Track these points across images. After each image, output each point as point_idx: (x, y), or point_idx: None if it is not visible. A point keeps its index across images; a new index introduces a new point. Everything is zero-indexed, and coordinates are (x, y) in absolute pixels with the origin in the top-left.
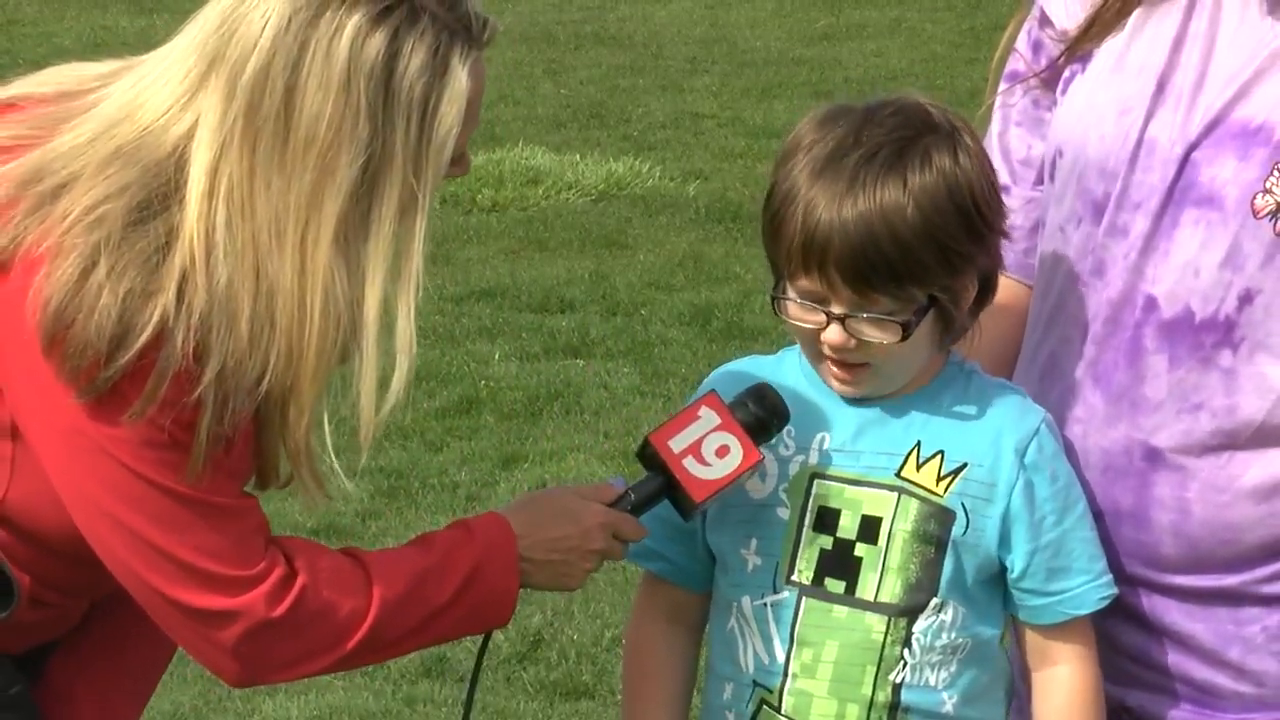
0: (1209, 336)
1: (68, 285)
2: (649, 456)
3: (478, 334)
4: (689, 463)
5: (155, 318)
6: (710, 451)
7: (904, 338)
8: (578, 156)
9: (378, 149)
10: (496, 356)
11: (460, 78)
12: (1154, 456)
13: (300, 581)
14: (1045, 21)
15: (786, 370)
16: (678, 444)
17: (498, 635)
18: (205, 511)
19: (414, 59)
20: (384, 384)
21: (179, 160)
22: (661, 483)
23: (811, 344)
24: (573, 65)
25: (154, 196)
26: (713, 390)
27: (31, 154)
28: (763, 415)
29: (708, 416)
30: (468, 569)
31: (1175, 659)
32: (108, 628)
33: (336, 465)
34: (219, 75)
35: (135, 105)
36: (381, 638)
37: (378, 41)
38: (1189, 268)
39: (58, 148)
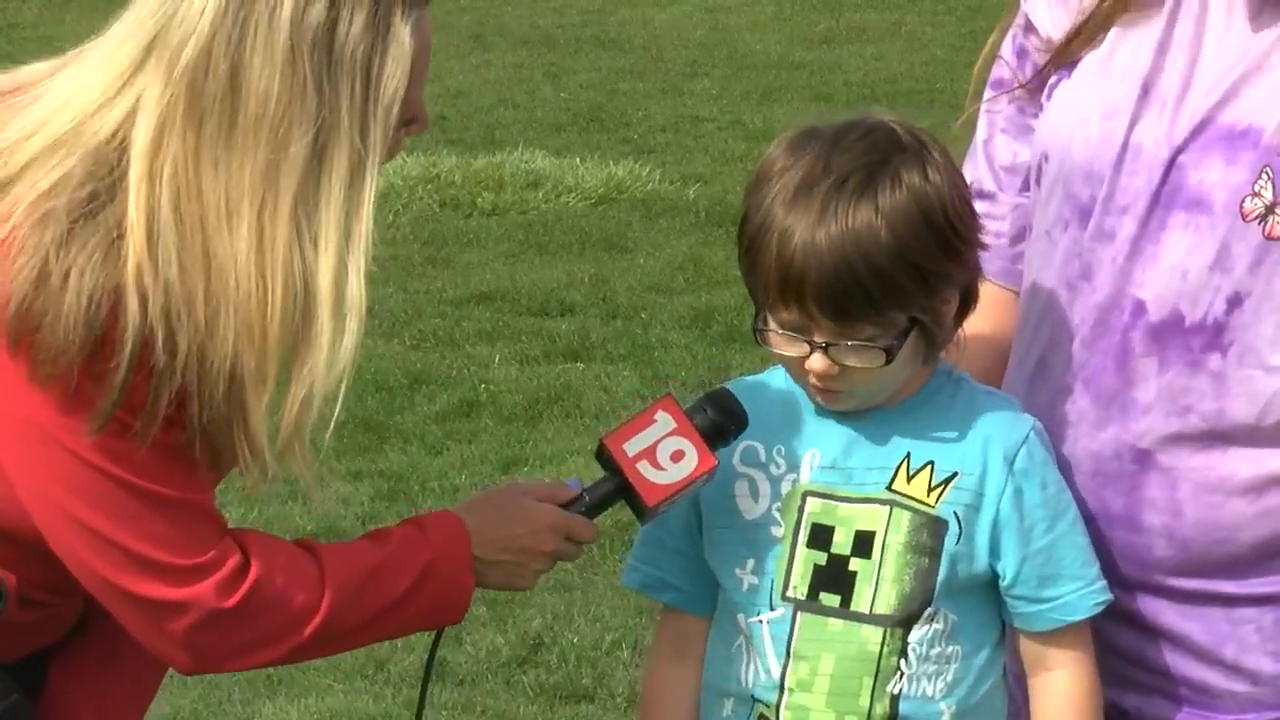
0: (1197, 340)
1: (26, 286)
2: (606, 459)
3: (478, 337)
4: (643, 466)
5: (124, 314)
6: (665, 456)
7: (888, 362)
8: (578, 160)
9: (326, 118)
10: (496, 360)
11: (403, 37)
12: (1144, 459)
13: (254, 573)
14: (1030, 29)
15: (775, 386)
16: (632, 447)
17: (497, 638)
18: (154, 501)
19: (354, 23)
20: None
21: (120, 146)
22: (617, 485)
23: (796, 369)
24: (573, 69)
25: (101, 187)
26: (669, 394)
27: None
28: (720, 420)
29: (664, 420)
30: (422, 566)
31: (1170, 659)
32: (105, 635)
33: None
34: (158, 58)
35: (73, 92)
36: (334, 630)
37: (318, 10)
38: (1177, 271)
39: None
